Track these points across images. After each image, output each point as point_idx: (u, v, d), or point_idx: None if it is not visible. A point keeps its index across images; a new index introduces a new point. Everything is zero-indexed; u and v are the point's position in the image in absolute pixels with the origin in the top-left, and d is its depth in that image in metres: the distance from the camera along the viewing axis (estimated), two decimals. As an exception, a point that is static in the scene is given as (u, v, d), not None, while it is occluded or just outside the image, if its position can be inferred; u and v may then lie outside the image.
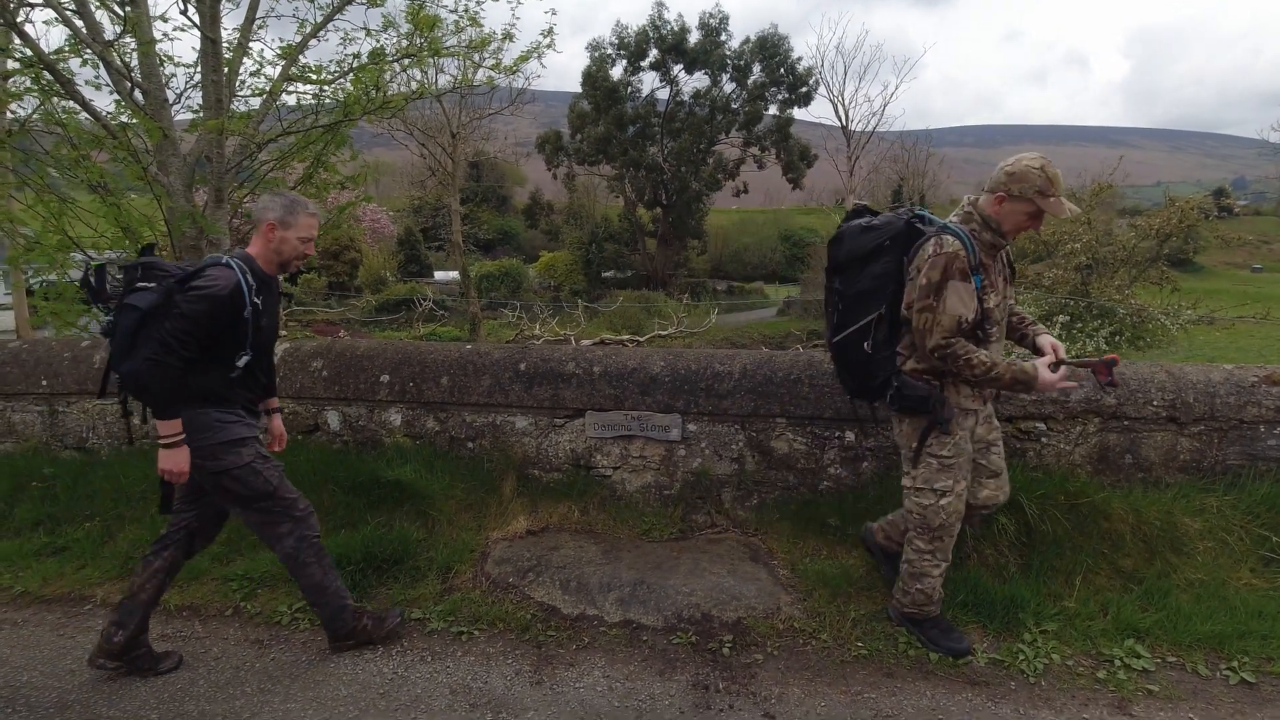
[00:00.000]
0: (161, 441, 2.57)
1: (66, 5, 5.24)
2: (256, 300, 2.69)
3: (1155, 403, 3.53)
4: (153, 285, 2.65)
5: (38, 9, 5.25)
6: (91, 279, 2.73)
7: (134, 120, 5.21)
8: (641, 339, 15.57)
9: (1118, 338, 13.00)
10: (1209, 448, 3.52)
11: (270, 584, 3.45)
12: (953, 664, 2.80)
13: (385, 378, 4.15)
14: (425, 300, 21.60)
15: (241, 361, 2.70)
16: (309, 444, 4.20)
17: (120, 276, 2.75)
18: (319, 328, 22.82)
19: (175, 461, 2.58)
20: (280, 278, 2.95)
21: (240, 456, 2.73)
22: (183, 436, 2.59)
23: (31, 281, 5.42)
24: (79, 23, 5.21)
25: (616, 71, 37.71)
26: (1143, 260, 14.75)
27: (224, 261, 2.68)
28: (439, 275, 37.19)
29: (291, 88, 5.74)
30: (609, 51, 37.35)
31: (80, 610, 3.37)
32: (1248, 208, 72.21)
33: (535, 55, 6.60)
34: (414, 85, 6.39)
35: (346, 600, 2.95)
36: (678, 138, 37.66)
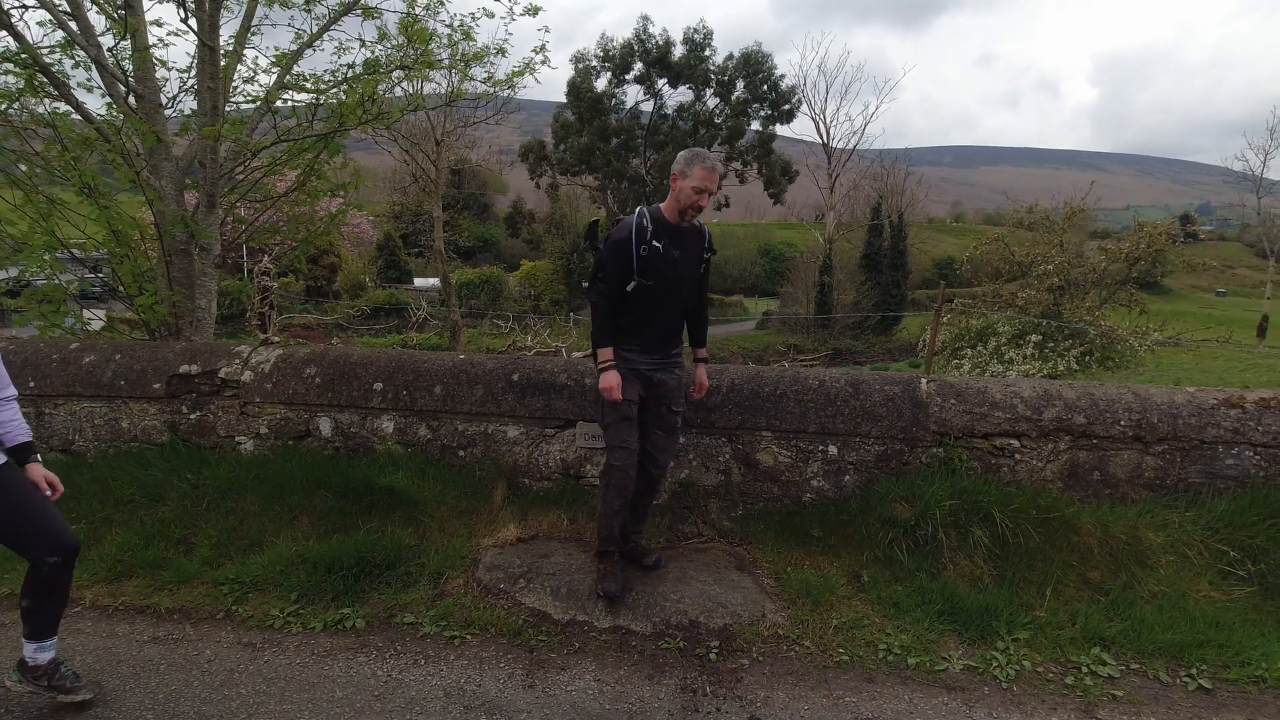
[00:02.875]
0: (599, 365, 3.25)
1: (60, 7, 5.26)
2: (655, 243, 3.21)
3: (1122, 423, 3.70)
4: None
5: (31, 10, 5.26)
6: (589, 231, 3.44)
7: (127, 123, 5.23)
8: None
9: (1088, 358, 13.36)
10: (1172, 466, 3.69)
11: (262, 588, 3.48)
12: (930, 669, 2.93)
13: (378, 385, 4.21)
14: (419, 310, 21.54)
15: (630, 286, 3.22)
16: (300, 449, 4.24)
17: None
18: (296, 332, 22.63)
19: (606, 381, 3.21)
20: (703, 231, 3.45)
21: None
22: (610, 363, 3.22)
23: (25, 280, 5.37)
24: (73, 25, 5.23)
25: (601, 83, 38.03)
26: (1113, 282, 15.19)
27: (635, 212, 3.29)
28: (419, 282, 37.04)
29: (286, 95, 5.79)
30: (594, 63, 37.65)
31: (69, 613, 3.36)
32: (1212, 233, 74.35)
33: (529, 71, 6.72)
34: (405, 95, 6.44)
35: (614, 531, 3.37)
36: (661, 150, 37.98)
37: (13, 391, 2.76)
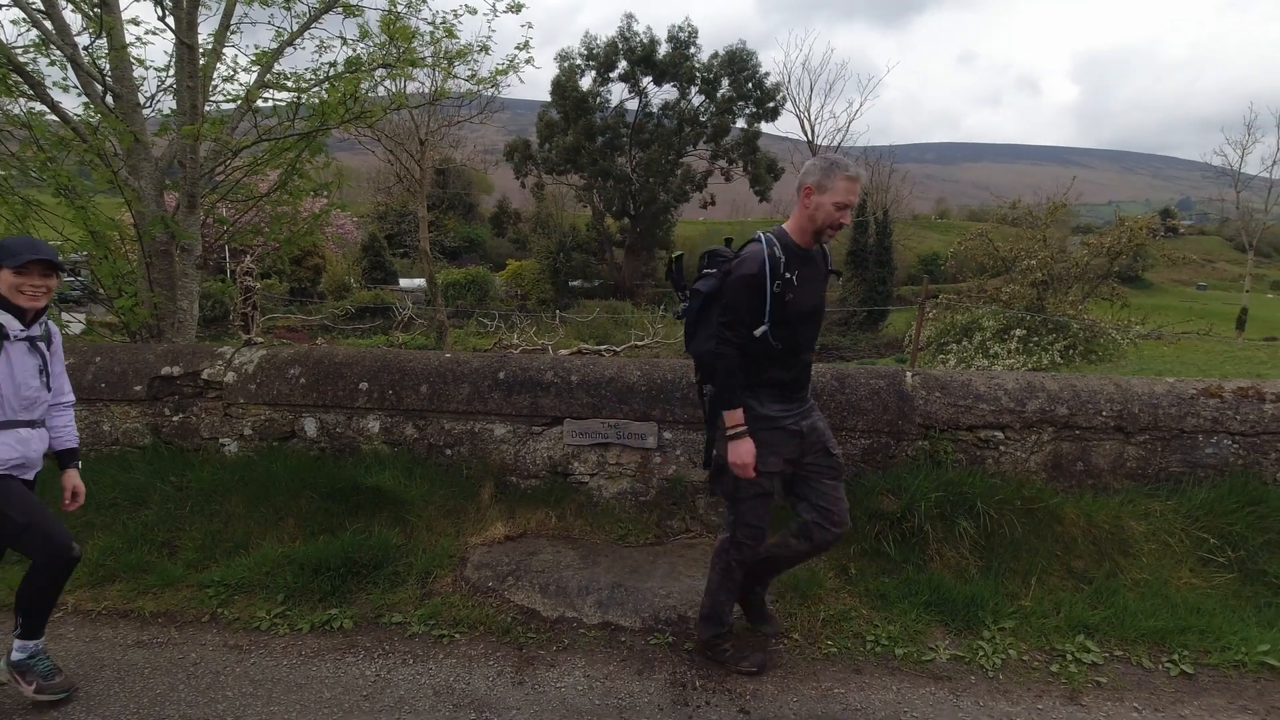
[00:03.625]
0: (728, 431, 2.65)
1: (35, 6, 5.18)
2: (788, 275, 2.63)
3: (1104, 413, 3.74)
4: (714, 271, 2.79)
5: (5, 9, 5.18)
6: (671, 267, 2.98)
7: (104, 123, 5.17)
8: (619, 349, 15.69)
9: (1071, 351, 13.50)
10: (1153, 456, 3.74)
11: (248, 590, 3.46)
12: (917, 660, 2.95)
13: (364, 385, 4.18)
14: (405, 310, 21.42)
15: (758, 332, 2.63)
16: (285, 450, 4.21)
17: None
18: (280, 334, 22.44)
19: (739, 453, 2.61)
20: (825, 252, 2.86)
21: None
22: (742, 428, 2.62)
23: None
24: (48, 24, 5.16)
25: (585, 82, 37.98)
26: (1095, 277, 15.34)
27: (756, 237, 2.70)
28: (404, 282, 36.82)
29: (267, 94, 5.74)
30: (578, 62, 37.59)
31: (51, 618, 3.32)
32: (1192, 228, 75.30)
33: (512, 69, 6.70)
34: (389, 94, 6.41)
35: (726, 613, 2.92)
36: (646, 149, 37.99)
37: (72, 399, 2.98)
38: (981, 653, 2.97)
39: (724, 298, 2.68)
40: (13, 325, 2.64)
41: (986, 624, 3.13)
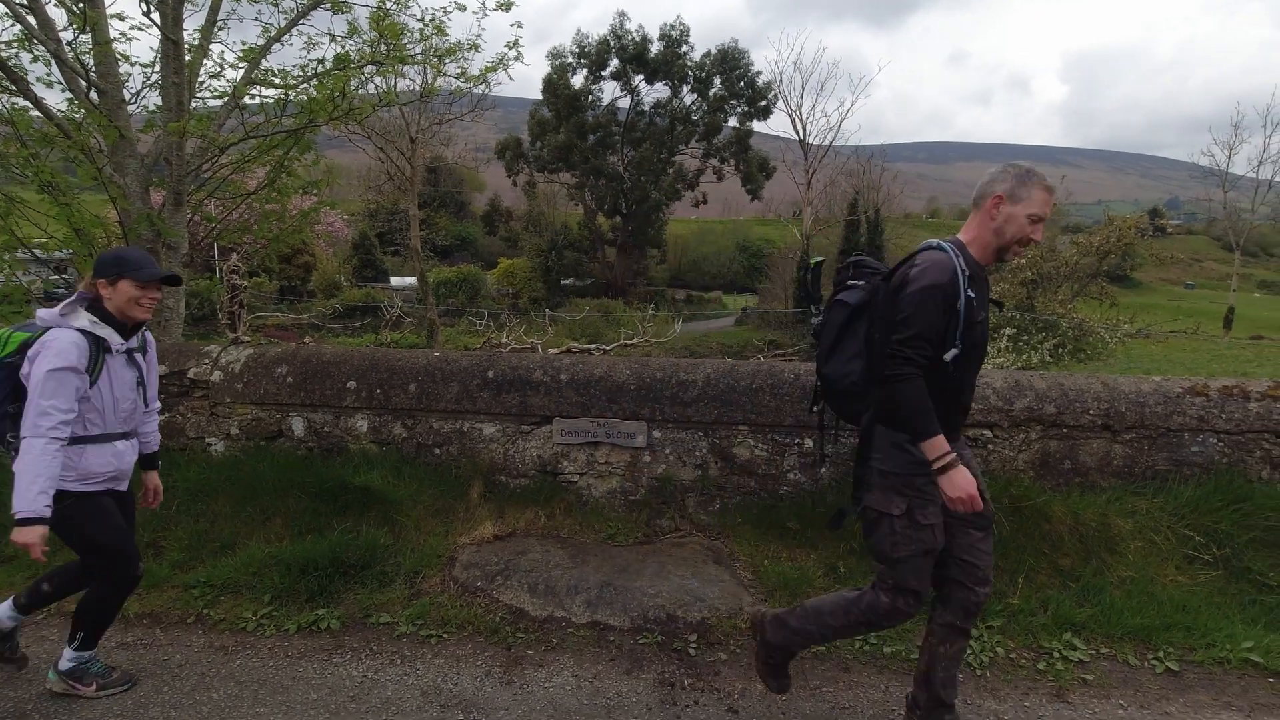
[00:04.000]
0: (935, 465, 2.17)
1: (18, 1, 5.12)
2: (970, 292, 2.23)
3: (1092, 412, 3.76)
4: (861, 283, 2.44)
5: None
6: (808, 277, 2.69)
7: (88, 119, 5.11)
8: (608, 348, 15.68)
9: (1060, 350, 13.58)
10: (1140, 454, 3.76)
11: (234, 590, 3.43)
12: (905, 658, 2.95)
13: (352, 384, 4.16)
14: (393, 307, 21.31)
15: (949, 356, 2.22)
16: (272, 450, 4.18)
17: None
18: (269, 332, 22.31)
19: (957, 485, 2.15)
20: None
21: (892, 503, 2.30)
22: (951, 456, 2.16)
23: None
24: (31, 19, 5.10)
25: (577, 80, 37.93)
26: (1084, 276, 15.44)
27: (934, 245, 2.32)
28: (395, 281, 36.69)
29: (254, 91, 5.70)
30: (570, 60, 37.53)
31: (33, 619, 3.29)
32: (1180, 227, 75.93)
33: (502, 67, 6.67)
34: (378, 91, 6.37)
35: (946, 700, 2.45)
36: (638, 147, 37.98)
37: (159, 405, 3.02)
38: (970, 651, 2.98)
39: (899, 311, 2.22)
40: (114, 339, 2.61)
41: (975, 622, 3.13)
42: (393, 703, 2.69)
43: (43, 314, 2.60)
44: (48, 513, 2.41)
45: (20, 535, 2.38)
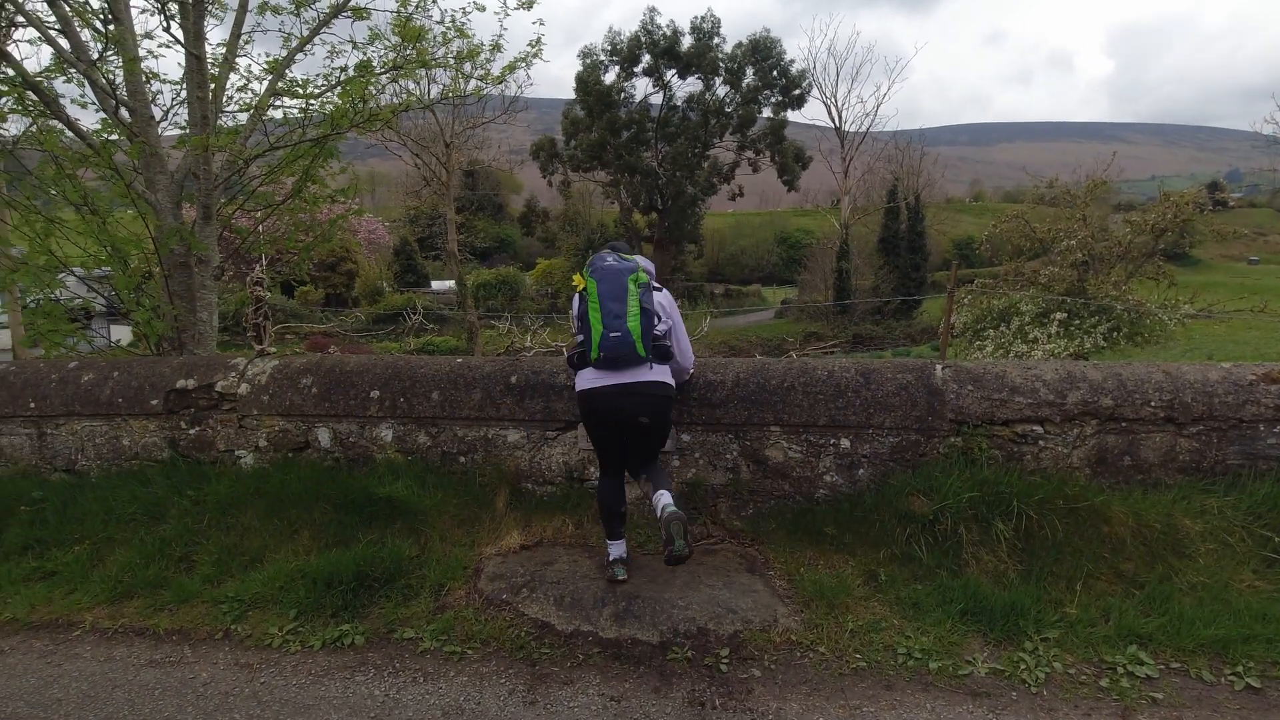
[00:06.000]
0: None
1: (50, 25, 5.22)
2: None
3: (1153, 403, 3.49)
4: None
5: (21, 28, 5.23)
6: None
7: (119, 138, 5.19)
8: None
9: (1115, 334, 12.99)
10: (1208, 448, 3.48)
11: (261, 605, 3.41)
12: (953, 674, 2.76)
13: (375, 393, 4.11)
14: (415, 313, 21.49)
15: None
16: (299, 461, 4.16)
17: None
18: (315, 341, 22.77)
19: None
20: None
21: None
22: None
23: (28, 300, 5.40)
24: (63, 42, 5.19)
25: (609, 77, 37.80)
26: (1139, 255, 14.72)
27: None
28: (436, 285, 37.20)
29: (278, 102, 5.72)
30: (601, 58, 37.44)
31: (69, 636, 3.32)
32: (1242, 200, 72.32)
33: (523, 65, 6.59)
34: (405, 97, 6.36)
35: None
36: (672, 142, 37.70)
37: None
38: (1023, 666, 2.77)
39: None
40: None
41: (1028, 634, 2.92)
42: (413, 724, 2.61)
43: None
44: None
45: None
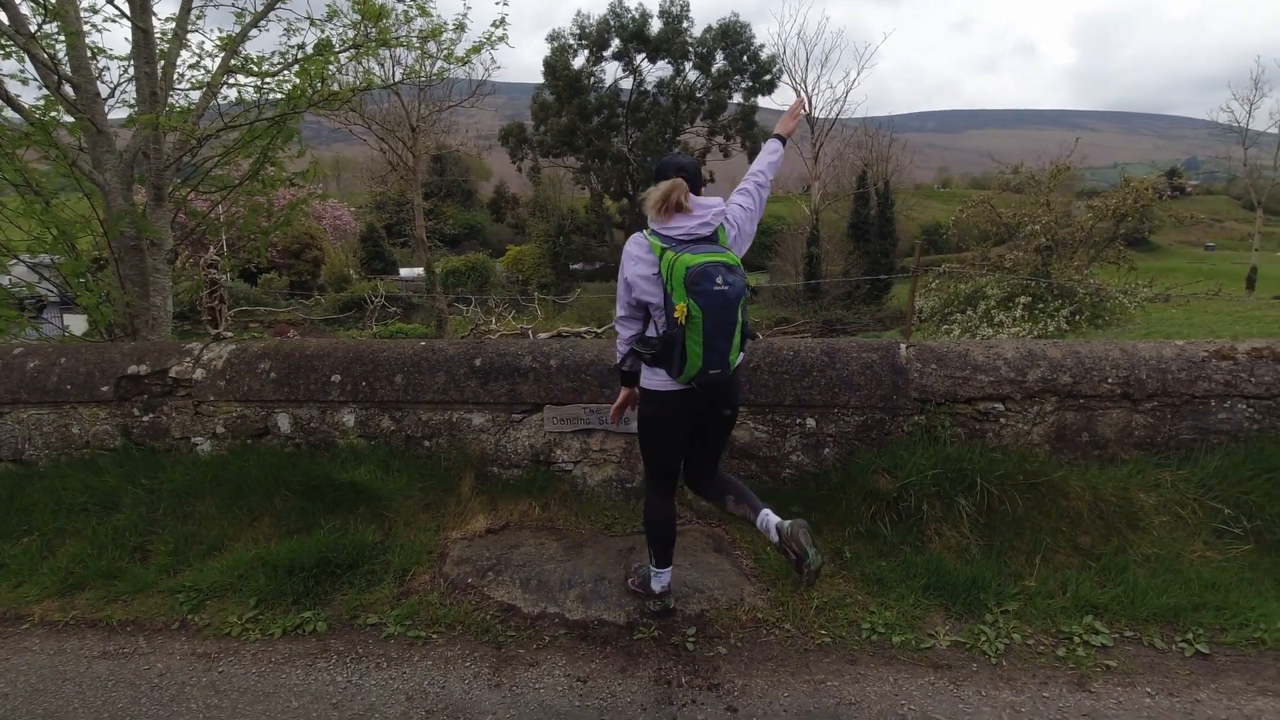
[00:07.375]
0: None
1: (-12, -4, 4.98)
2: None
3: (1110, 380, 3.56)
4: None
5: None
6: None
7: (61, 114, 4.98)
8: (600, 330, 15.49)
9: (1078, 317, 13.26)
10: (1162, 423, 3.55)
11: (220, 594, 3.33)
12: (915, 647, 2.79)
13: (336, 378, 4.02)
14: (377, 298, 21.16)
15: None
16: (259, 448, 4.06)
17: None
18: (278, 329, 22.30)
19: None
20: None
21: None
22: None
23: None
24: (1, 14, 4.96)
25: (578, 61, 37.48)
26: (1101, 240, 15.03)
27: None
28: (404, 272, 36.62)
29: (232, 80, 5.54)
30: (570, 41, 37.05)
31: (16, 630, 3.21)
32: (1199, 187, 74.12)
33: (488, 46, 6.46)
34: (366, 76, 6.19)
35: None
36: (643, 128, 37.55)
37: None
38: (984, 638, 2.81)
39: None
40: None
41: (989, 607, 2.96)
42: (375, 709, 2.58)
43: None
44: None
45: None
